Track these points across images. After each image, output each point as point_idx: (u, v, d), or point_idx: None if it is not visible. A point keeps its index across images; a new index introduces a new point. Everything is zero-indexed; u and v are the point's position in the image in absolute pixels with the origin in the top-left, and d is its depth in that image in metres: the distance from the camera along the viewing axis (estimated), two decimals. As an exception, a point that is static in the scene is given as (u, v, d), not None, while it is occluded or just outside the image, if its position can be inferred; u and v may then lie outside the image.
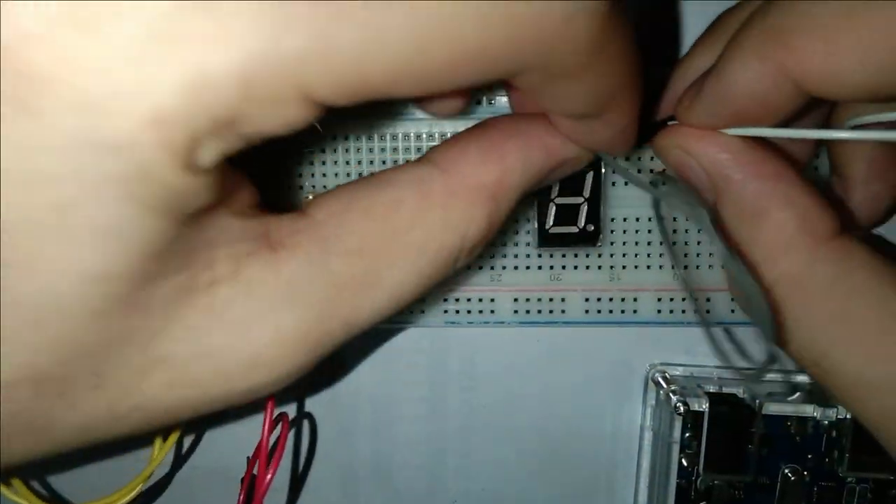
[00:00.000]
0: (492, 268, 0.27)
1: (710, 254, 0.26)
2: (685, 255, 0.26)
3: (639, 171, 0.25)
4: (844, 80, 0.15)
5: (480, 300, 0.27)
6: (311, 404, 0.29)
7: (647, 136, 0.20)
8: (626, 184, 0.26)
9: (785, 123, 0.18)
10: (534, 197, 0.26)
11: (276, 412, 0.23)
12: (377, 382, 0.29)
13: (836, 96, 0.17)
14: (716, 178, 0.19)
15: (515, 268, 0.27)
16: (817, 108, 0.20)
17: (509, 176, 0.18)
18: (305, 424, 0.29)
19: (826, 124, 0.21)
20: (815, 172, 0.25)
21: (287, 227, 0.16)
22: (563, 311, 0.27)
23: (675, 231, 0.26)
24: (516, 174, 0.18)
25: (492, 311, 0.27)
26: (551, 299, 0.27)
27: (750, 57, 0.16)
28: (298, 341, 0.15)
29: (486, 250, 0.26)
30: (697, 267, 0.26)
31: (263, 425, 0.21)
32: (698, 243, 0.26)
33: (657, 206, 0.22)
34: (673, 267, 0.22)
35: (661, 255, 0.26)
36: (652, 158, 0.25)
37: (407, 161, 0.23)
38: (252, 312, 0.15)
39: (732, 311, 0.27)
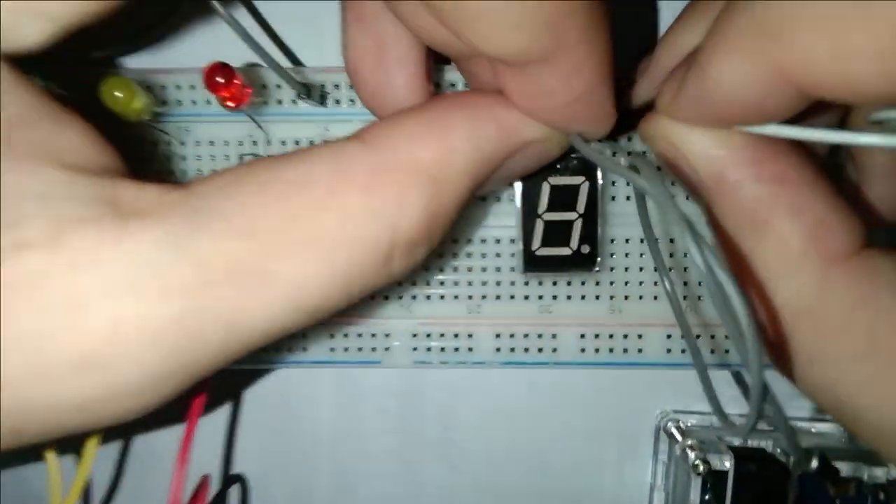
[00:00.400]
0: (469, 297, 0.23)
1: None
2: (695, 284, 0.22)
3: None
4: (859, 86, 0.12)
5: (456, 336, 0.23)
6: (257, 460, 0.25)
7: (632, 120, 0.18)
8: (627, 198, 0.22)
9: (795, 119, 0.15)
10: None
11: (201, 469, 0.19)
12: (338, 434, 0.26)
13: (850, 101, 0.13)
14: (708, 179, 0.16)
15: (497, 297, 0.23)
16: None
17: (453, 155, 0.15)
18: (249, 487, 0.25)
19: (844, 118, 0.18)
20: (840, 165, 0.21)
21: (151, 197, 0.13)
22: (554, 350, 0.23)
23: (685, 256, 0.22)
24: (462, 153, 0.15)
25: (470, 349, 0.23)
26: (540, 335, 0.23)
27: (737, 55, 0.13)
28: (148, 341, 0.12)
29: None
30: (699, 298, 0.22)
31: (172, 489, 0.16)
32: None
33: (641, 200, 0.18)
34: (664, 282, 0.18)
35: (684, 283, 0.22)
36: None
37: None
38: (79, 295, 0.12)
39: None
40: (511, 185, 0.22)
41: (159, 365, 0.13)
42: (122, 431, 0.25)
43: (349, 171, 0.14)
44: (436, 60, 0.18)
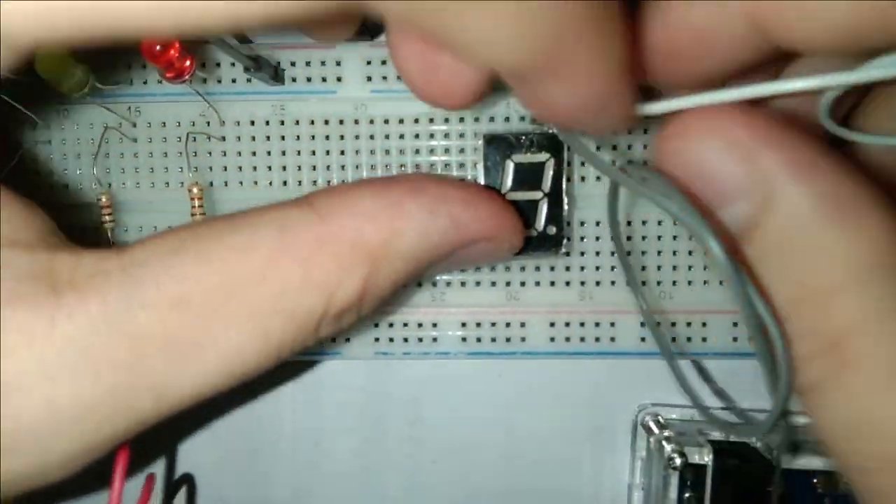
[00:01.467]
0: (433, 284, 0.22)
1: (689, 266, 0.22)
2: (659, 268, 0.21)
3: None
4: (821, 26, 0.12)
5: (420, 325, 0.22)
6: (210, 460, 0.24)
7: None
8: (598, 178, 0.21)
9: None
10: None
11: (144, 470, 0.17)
12: (298, 431, 0.24)
13: (808, 48, 0.13)
14: (753, 198, 0.14)
15: (462, 284, 0.22)
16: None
17: (399, 239, 0.15)
18: (200, 488, 0.24)
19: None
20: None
21: (87, 267, 0.13)
22: (523, 340, 0.22)
23: (644, 238, 0.21)
24: (409, 240, 0.15)
25: (434, 340, 0.22)
26: (508, 324, 0.22)
27: None
28: (81, 417, 0.13)
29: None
30: (674, 283, 0.22)
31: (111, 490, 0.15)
32: (674, 252, 0.22)
33: (614, 188, 0.18)
34: (628, 283, 0.17)
35: (643, 268, 0.21)
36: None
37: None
38: (13, 377, 0.12)
39: (735, 338, 0.22)
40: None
41: (93, 435, 0.13)
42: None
43: (293, 242, 0.14)
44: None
